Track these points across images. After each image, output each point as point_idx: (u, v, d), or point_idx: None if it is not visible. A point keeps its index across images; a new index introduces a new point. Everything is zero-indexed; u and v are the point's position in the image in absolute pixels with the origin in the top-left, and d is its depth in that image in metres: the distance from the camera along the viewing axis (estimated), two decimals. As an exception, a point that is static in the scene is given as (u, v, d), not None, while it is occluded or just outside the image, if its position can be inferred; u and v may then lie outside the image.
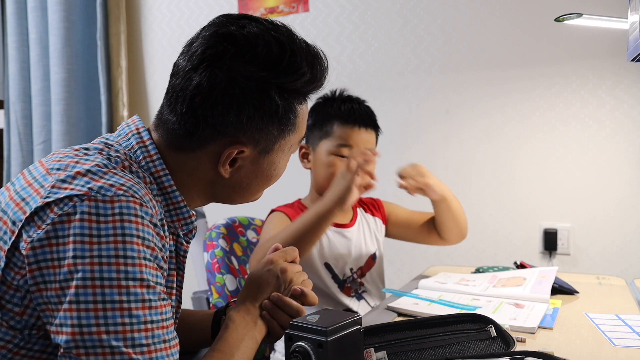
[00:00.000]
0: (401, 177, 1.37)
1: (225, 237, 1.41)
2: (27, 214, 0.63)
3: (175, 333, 0.68)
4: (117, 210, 0.63)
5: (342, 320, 0.75)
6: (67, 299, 0.60)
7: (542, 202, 2.09)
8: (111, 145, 0.76)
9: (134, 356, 0.61)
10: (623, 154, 1.97)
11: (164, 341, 0.65)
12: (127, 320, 0.61)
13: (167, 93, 0.79)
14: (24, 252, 0.62)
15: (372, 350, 0.81)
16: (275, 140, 0.80)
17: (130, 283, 0.62)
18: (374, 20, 2.32)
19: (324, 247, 1.39)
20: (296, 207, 1.43)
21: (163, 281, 0.69)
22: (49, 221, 0.62)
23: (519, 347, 0.90)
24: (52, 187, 0.65)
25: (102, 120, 2.72)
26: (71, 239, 0.61)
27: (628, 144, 1.97)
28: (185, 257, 0.82)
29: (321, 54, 0.81)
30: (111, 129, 2.76)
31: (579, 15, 1.38)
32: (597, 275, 1.50)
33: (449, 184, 1.40)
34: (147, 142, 0.77)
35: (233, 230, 1.46)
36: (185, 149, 0.78)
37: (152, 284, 0.64)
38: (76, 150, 0.73)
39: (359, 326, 0.77)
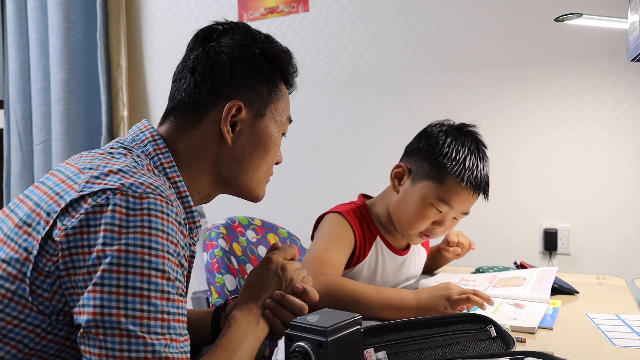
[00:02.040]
0: (451, 243, 1.42)
1: (224, 237, 1.41)
2: (62, 206, 0.68)
3: (186, 330, 0.71)
4: (145, 206, 0.67)
5: (342, 320, 0.75)
6: (93, 281, 0.64)
7: (542, 202, 2.09)
8: (131, 149, 0.81)
9: (148, 340, 0.64)
10: (623, 154, 1.97)
11: (178, 334, 0.68)
12: (145, 307, 0.65)
13: (170, 91, 0.89)
14: (57, 239, 0.66)
15: (372, 350, 0.81)
16: (266, 102, 0.88)
17: (153, 272, 0.66)
18: (374, 20, 2.32)
19: (378, 271, 1.32)
20: (362, 217, 1.31)
21: (182, 279, 0.72)
22: (82, 211, 0.67)
23: (519, 347, 0.90)
24: (87, 182, 0.69)
25: (102, 120, 2.71)
26: (102, 227, 0.66)
27: (628, 144, 1.96)
28: (193, 259, 0.85)
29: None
30: (111, 129, 2.76)
31: (579, 15, 1.38)
32: (597, 275, 1.50)
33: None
34: (164, 150, 0.83)
35: (233, 230, 1.46)
36: (192, 124, 0.85)
37: (172, 277, 0.68)
38: (102, 153, 0.78)
39: (359, 326, 0.77)
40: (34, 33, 2.70)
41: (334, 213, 1.30)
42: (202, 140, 0.85)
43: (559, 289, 1.26)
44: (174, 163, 0.83)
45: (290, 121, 0.95)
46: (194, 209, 0.84)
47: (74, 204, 0.68)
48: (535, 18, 2.06)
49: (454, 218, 1.28)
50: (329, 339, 0.71)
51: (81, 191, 0.68)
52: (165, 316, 0.66)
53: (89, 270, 0.65)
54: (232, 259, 1.40)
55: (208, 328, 0.97)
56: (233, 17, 2.56)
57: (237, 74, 0.85)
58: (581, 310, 1.13)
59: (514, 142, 2.12)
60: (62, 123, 2.65)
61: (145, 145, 0.83)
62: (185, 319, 0.71)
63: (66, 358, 0.72)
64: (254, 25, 0.96)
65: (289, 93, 0.95)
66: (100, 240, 0.65)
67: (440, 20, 2.21)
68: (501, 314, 1.08)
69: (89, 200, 0.67)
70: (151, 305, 0.65)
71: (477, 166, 1.23)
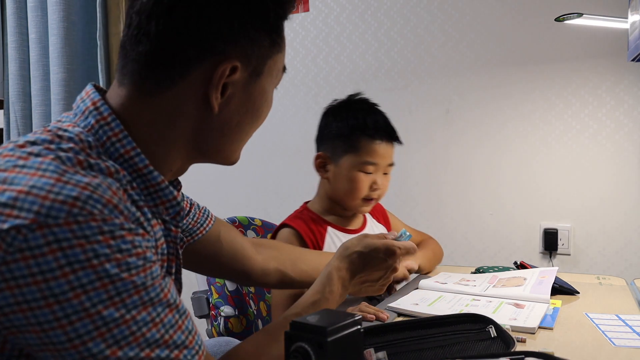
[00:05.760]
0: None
1: (225, 237, 1.41)
2: None
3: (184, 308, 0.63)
4: (78, 234, 0.53)
5: (343, 320, 0.75)
6: (69, 336, 0.53)
7: (542, 202, 2.09)
8: (65, 131, 0.62)
9: (174, 355, 0.58)
10: (623, 154, 1.97)
11: (184, 312, 0.61)
12: (140, 324, 0.56)
13: (128, 29, 0.66)
14: None
15: (372, 350, 0.81)
16: (265, 57, 0.69)
17: (125, 295, 0.55)
18: (374, 20, 2.32)
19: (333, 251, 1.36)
20: (306, 218, 1.39)
21: (160, 279, 0.61)
22: None
23: (519, 347, 0.90)
24: None
25: (102, 120, 2.71)
26: (38, 277, 0.52)
27: (628, 144, 1.96)
28: (176, 243, 0.74)
29: None
30: (111, 129, 2.76)
31: (579, 15, 1.38)
32: (597, 275, 1.50)
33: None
34: (109, 119, 0.64)
35: (233, 230, 1.46)
36: (163, 85, 0.65)
37: (148, 284, 0.58)
38: (21, 146, 0.59)
39: (359, 326, 0.77)
40: (34, 33, 2.70)
41: (282, 229, 1.37)
42: (176, 107, 0.66)
43: (559, 289, 1.26)
44: (126, 133, 0.64)
45: (284, 70, 0.76)
46: (164, 185, 0.67)
47: None
48: (535, 18, 2.06)
49: (385, 174, 1.40)
50: (329, 339, 0.71)
51: None
52: (162, 316, 0.58)
53: (42, 327, 0.53)
54: (232, 259, 1.40)
55: None
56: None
57: (236, 22, 0.64)
58: (581, 310, 1.13)
59: (514, 142, 2.12)
60: (62, 123, 2.65)
61: (87, 118, 0.64)
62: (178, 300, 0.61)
63: None
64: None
65: None
66: (41, 293, 0.52)
67: (440, 20, 2.21)
68: (501, 314, 1.08)
69: (3, 245, 0.51)
70: (141, 320, 0.56)
71: (376, 120, 1.36)
